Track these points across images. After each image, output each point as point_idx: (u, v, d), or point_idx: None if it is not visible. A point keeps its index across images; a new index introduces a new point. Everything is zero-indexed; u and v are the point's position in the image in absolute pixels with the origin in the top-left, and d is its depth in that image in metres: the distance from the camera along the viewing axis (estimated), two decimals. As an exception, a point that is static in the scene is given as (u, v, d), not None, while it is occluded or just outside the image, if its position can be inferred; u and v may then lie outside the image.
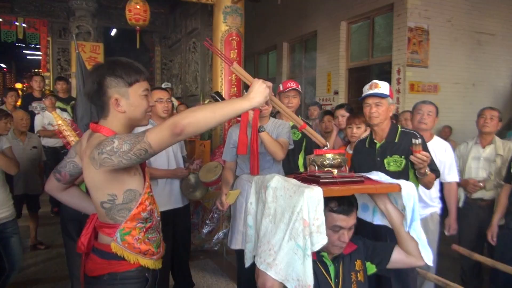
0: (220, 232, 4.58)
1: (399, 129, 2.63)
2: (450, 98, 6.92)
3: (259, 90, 1.41)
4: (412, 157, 2.23)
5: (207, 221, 4.53)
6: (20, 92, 8.17)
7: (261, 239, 1.63)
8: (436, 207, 3.29)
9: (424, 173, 2.32)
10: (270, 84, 1.47)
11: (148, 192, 1.60)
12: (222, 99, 3.45)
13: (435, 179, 2.53)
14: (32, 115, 5.87)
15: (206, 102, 5.08)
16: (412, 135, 2.53)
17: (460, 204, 3.59)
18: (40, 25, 10.10)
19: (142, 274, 1.59)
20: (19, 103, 6.77)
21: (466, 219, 3.52)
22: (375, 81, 2.58)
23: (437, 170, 2.55)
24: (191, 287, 3.67)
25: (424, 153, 2.23)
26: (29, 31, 9.94)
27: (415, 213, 1.77)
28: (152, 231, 1.64)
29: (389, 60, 7.00)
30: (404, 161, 2.50)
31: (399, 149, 2.54)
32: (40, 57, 11.31)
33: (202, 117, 1.34)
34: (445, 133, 6.56)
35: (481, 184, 3.44)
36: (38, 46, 10.81)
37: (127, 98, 1.55)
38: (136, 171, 1.56)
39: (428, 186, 2.55)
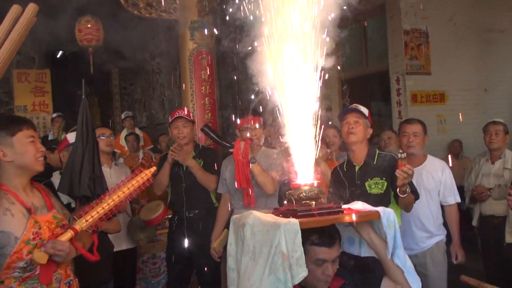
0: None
1: (377, 152, 3.14)
2: (460, 107, 7.32)
3: None
4: (398, 171, 2.63)
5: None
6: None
7: (241, 277, 2.00)
8: (442, 235, 3.72)
9: (405, 191, 2.75)
10: None
11: (27, 240, 1.90)
12: (214, 132, 3.99)
13: (414, 202, 2.99)
14: None
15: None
16: (390, 157, 3.03)
17: (474, 223, 4.16)
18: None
19: None
20: None
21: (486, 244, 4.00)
22: (355, 104, 3.15)
23: (416, 192, 3.00)
24: None
25: (409, 166, 2.65)
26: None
27: (397, 240, 2.17)
28: (33, 281, 1.93)
29: (386, 69, 7.46)
30: (385, 183, 3.00)
31: (379, 171, 3.03)
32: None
33: None
34: (455, 149, 7.00)
35: (488, 193, 3.96)
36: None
37: (13, 147, 2.03)
38: (6, 210, 1.92)
39: (408, 208, 3.01)
